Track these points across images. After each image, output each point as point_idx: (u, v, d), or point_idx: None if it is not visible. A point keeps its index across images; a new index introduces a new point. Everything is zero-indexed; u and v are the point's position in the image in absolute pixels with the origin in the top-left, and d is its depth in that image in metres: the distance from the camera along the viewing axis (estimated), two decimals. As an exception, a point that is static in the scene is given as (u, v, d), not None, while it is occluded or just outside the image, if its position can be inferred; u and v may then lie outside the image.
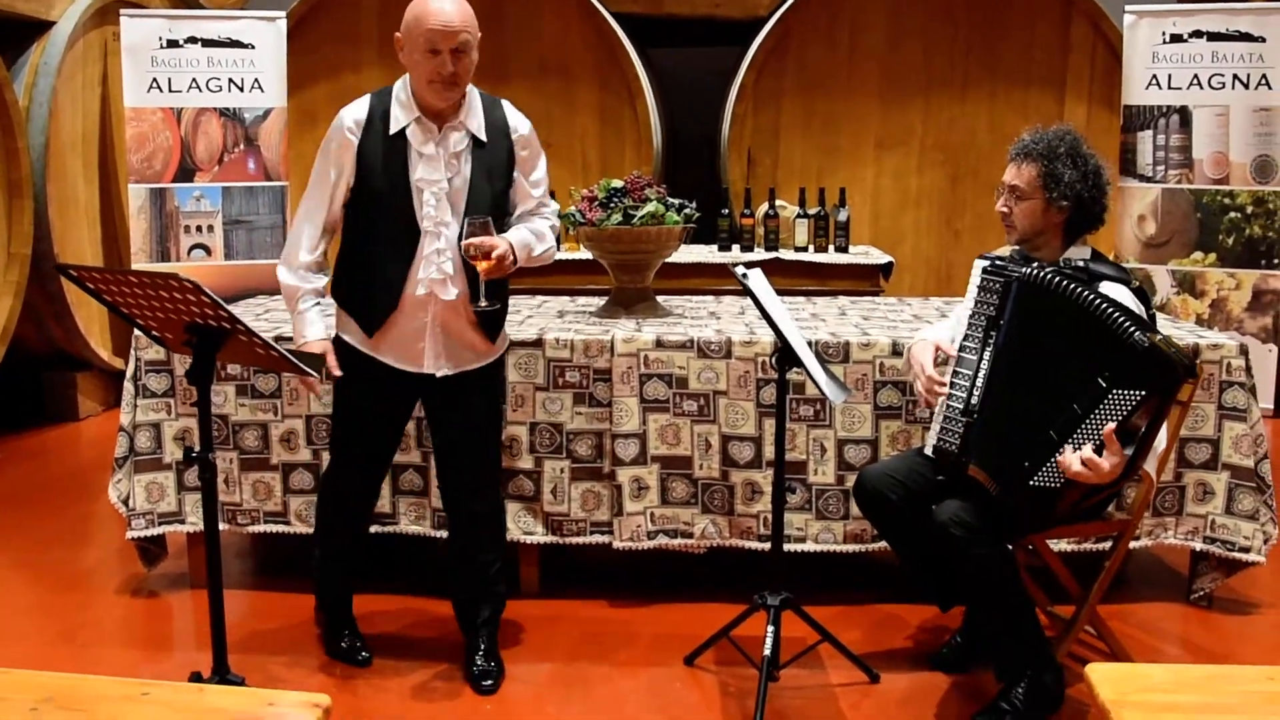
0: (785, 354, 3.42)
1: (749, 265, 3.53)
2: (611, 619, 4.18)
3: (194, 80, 7.15)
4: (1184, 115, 7.28)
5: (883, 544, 4.17)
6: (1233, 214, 7.23)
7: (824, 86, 7.67)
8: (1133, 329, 3.05)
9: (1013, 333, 3.34)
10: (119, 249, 7.49)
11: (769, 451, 4.16)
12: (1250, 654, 3.98)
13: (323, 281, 3.59)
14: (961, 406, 3.41)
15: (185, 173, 7.16)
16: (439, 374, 3.56)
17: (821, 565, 4.30)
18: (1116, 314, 3.10)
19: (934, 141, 7.75)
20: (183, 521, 4.33)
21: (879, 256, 6.70)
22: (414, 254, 3.44)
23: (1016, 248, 3.65)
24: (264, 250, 7.26)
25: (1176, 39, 7.29)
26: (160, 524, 4.32)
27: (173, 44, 7.09)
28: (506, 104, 3.62)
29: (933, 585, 3.72)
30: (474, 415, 3.64)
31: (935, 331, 3.79)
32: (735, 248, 6.73)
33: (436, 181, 3.43)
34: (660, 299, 4.76)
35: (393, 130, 3.44)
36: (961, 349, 3.47)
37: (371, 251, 3.49)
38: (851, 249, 6.77)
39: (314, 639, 3.99)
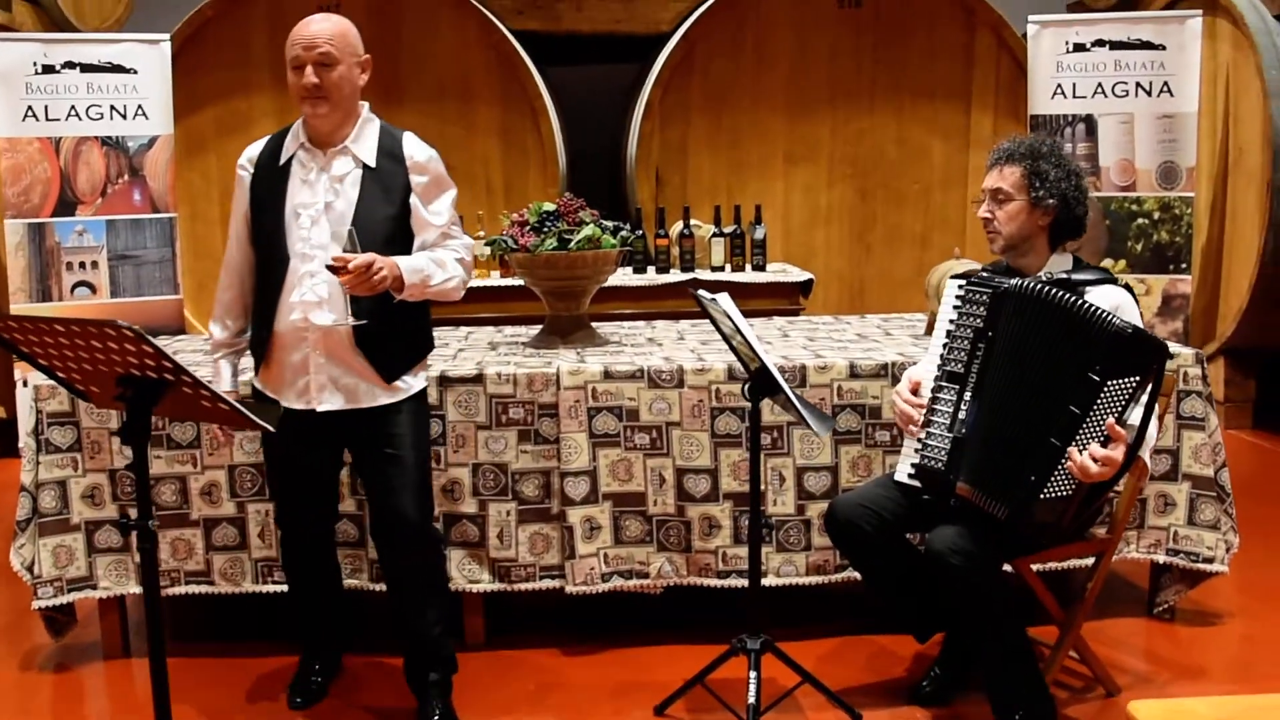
0: (760, 383, 3.23)
1: (695, 286, 3.37)
2: (569, 668, 3.94)
3: (73, 108, 6.73)
4: (1090, 124, 7.27)
5: (846, 574, 4.01)
6: (1140, 220, 7.25)
7: (731, 101, 7.52)
8: (1114, 318, 3.05)
9: (1004, 345, 3.22)
10: (-5, 289, 7.04)
11: (726, 483, 3.97)
12: (1221, 667, 3.90)
13: (229, 333, 3.54)
14: (947, 422, 3.29)
15: (66, 206, 6.74)
16: (320, 408, 3.37)
17: (781, 597, 4.11)
18: (1100, 310, 3.08)
19: (843, 155, 7.65)
20: (94, 587, 3.99)
21: (798, 274, 6.57)
22: (284, 280, 3.35)
23: (987, 265, 3.55)
24: (153, 286, 6.87)
25: (1080, 48, 7.27)
26: (70, 590, 3.97)
27: (49, 69, 6.67)
28: (409, 134, 3.50)
29: (909, 615, 3.61)
30: (392, 462, 3.42)
31: (918, 370, 3.62)
32: (650, 270, 6.53)
33: (312, 204, 3.36)
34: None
35: (281, 160, 3.41)
36: (944, 362, 3.35)
37: (259, 284, 3.46)
38: (768, 267, 6.63)
39: (244, 706, 3.69)
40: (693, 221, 6.56)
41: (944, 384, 3.35)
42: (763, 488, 3.96)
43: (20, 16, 7.31)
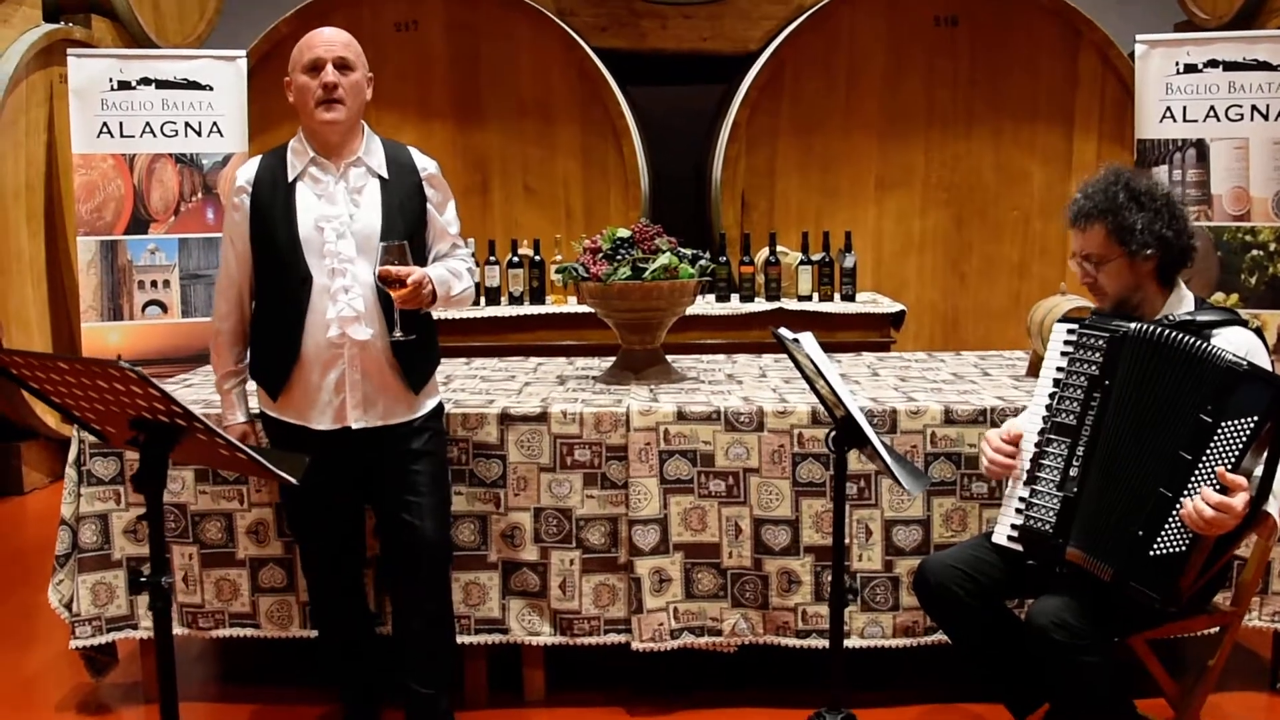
0: (846, 432, 2.93)
1: (778, 320, 3.08)
2: (632, 732, 3.67)
3: (147, 124, 6.61)
4: (1201, 149, 6.86)
5: (937, 636, 3.68)
6: (1255, 252, 6.82)
7: (821, 124, 7.21)
8: (1227, 353, 2.78)
9: (1121, 395, 2.90)
10: (67, 307, 6.93)
11: (808, 535, 3.67)
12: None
13: (234, 360, 3.46)
14: (1057, 480, 2.98)
15: (138, 224, 6.61)
16: (355, 425, 3.30)
17: (865, 660, 3.79)
18: (1216, 348, 2.81)
19: (938, 181, 7.31)
20: (135, 626, 3.79)
21: (889, 305, 6.24)
22: (308, 298, 3.25)
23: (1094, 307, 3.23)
24: (224, 306, 6.70)
25: (1191, 69, 6.88)
26: (109, 630, 3.77)
27: (124, 85, 6.55)
28: (412, 147, 3.49)
29: (1006, 688, 3.27)
30: (416, 478, 3.38)
31: (1016, 422, 3.30)
32: (734, 297, 6.24)
33: (338, 217, 3.28)
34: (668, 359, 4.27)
35: (290, 178, 3.31)
36: (1053, 413, 3.03)
37: (271, 307, 3.34)
38: (858, 296, 6.31)
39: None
40: (779, 248, 6.26)
41: (1053, 436, 3.03)
42: (847, 541, 3.64)
43: (99, 32, 7.23)
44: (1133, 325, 2.97)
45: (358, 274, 3.26)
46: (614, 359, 4.26)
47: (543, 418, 3.67)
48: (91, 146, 6.51)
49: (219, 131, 6.70)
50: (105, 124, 6.52)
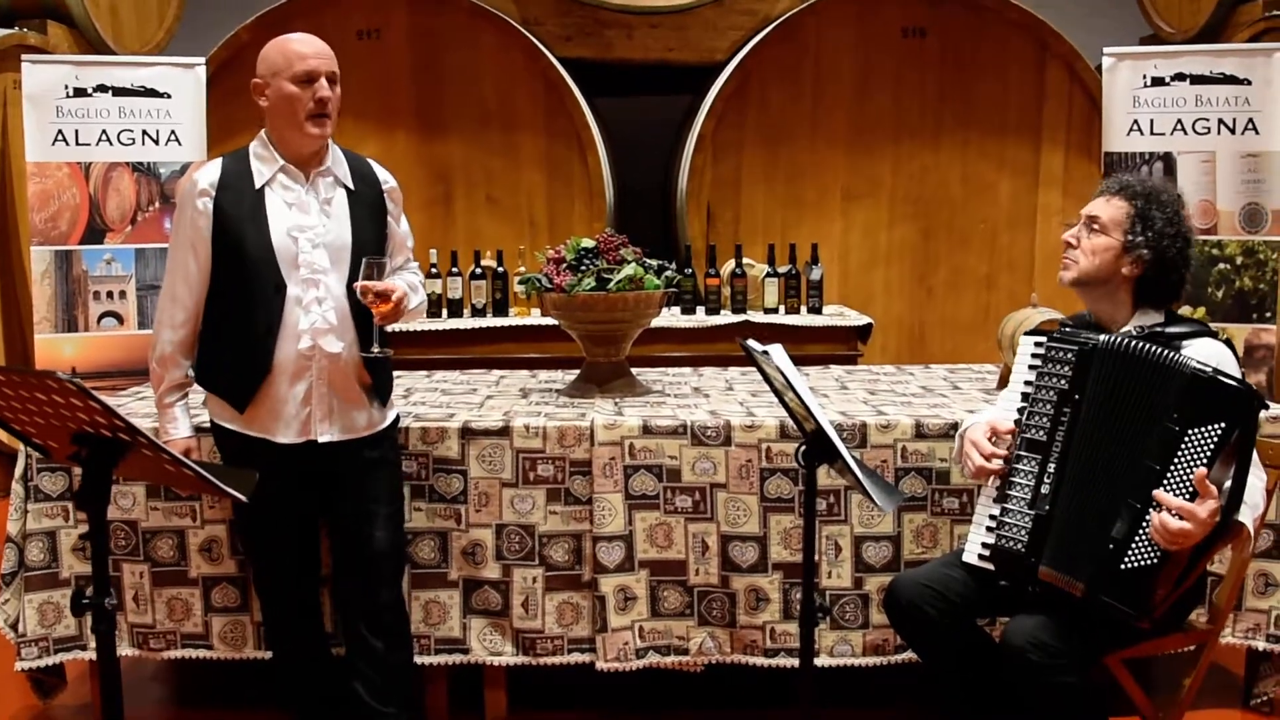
0: (816, 447, 2.85)
1: (745, 331, 3.01)
2: (597, 753, 3.58)
3: (104, 132, 6.47)
4: (1168, 162, 6.84)
5: (907, 654, 3.61)
6: (1222, 265, 6.80)
7: (787, 135, 7.14)
8: (1193, 360, 2.74)
9: (1091, 409, 2.85)
10: (20, 318, 6.79)
11: (776, 552, 3.60)
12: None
13: (183, 372, 3.33)
14: (1029, 498, 2.92)
15: (94, 233, 6.47)
16: (322, 439, 3.25)
17: (835, 678, 3.71)
18: (1180, 356, 2.77)
19: (905, 193, 7.25)
20: (84, 647, 3.66)
21: (856, 318, 6.18)
22: (282, 310, 3.18)
23: (1069, 317, 3.18)
24: (182, 318, 6.57)
25: (1158, 82, 6.85)
26: (57, 651, 3.65)
27: (80, 92, 6.42)
28: (371, 160, 3.46)
29: (977, 708, 3.20)
30: (374, 492, 3.35)
31: (984, 418, 3.24)
32: (700, 310, 6.17)
33: (312, 227, 3.22)
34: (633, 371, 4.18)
35: (257, 184, 3.21)
36: (1023, 429, 2.97)
37: (237, 316, 3.21)
38: (824, 309, 6.25)
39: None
40: (745, 260, 6.19)
41: (1023, 454, 2.97)
42: (817, 558, 3.57)
43: (55, 39, 7.09)
44: (1101, 337, 2.92)
45: (330, 285, 3.21)
46: (578, 372, 4.17)
47: (505, 432, 3.58)
48: (46, 154, 6.37)
49: (177, 140, 6.58)
50: (60, 131, 6.39)
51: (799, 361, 5.66)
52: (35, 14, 7.11)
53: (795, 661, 3.47)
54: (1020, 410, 3.03)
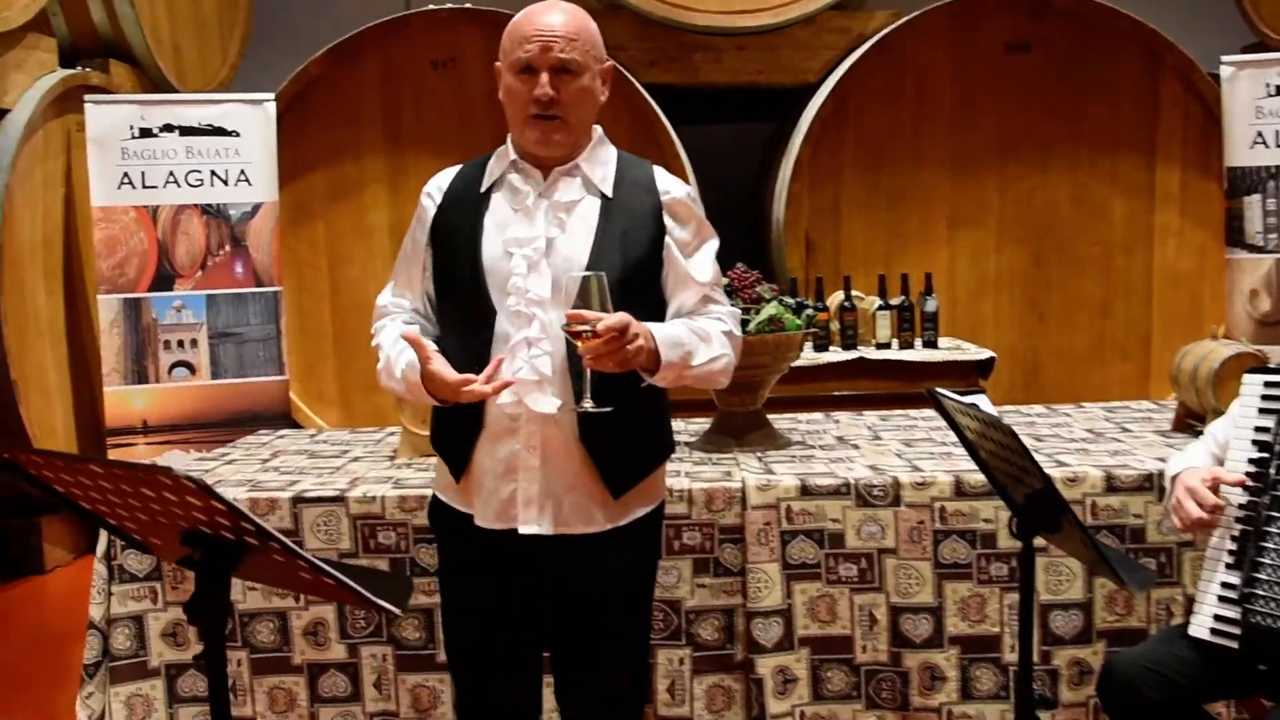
0: (1033, 516, 2.43)
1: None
2: None
3: (171, 174, 6.17)
4: (1297, 177, 6.41)
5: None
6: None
7: (888, 159, 6.74)
8: None
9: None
10: (89, 370, 6.47)
11: (953, 624, 3.18)
12: None
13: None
14: (1286, 567, 2.48)
15: (163, 280, 6.17)
16: (523, 529, 2.46)
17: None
18: None
19: (1013, 216, 6.82)
20: (178, 745, 3.29)
21: (976, 352, 5.75)
22: (489, 348, 2.45)
23: None
24: (257, 366, 6.25)
25: (1283, 92, 6.44)
26: (147, 750, 3.28)
27: (146, 133, 6.13)
28: (658, 167, 2.63)
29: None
30: (603, 623, 2.52)
31: (1190, 459, 2.82)
32: (808, 346, 5.76)
33: (530, 240, 2.46)
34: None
35: (485, 185, 2.54)
36: (1272, 485, 2.54)
37: (453, 353, 2.47)
38: (939, 342, 5.83)
39: None
40: (854, 293, 5.78)
41: (1275, 514, 2.54)
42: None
43: (118, 78, 6.80)
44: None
45: (549, 322, 2.42)
46: (709, 422, 3.77)
47: (646, 496, 3.18)
48: (112, 198, 6.09)
49: (247, 180, 6.27)
50: (126, 174, 6.10)
51: (914, 401, 5.31)
52: (96, 53, 6.83)
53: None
54: (1260, 461, 2.60)
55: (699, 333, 2.48)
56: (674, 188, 2.58)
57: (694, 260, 2.56)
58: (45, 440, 6.01)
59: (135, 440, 6.10)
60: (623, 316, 2.28)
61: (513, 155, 2.53)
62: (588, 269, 2.39)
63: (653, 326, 2.39)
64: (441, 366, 2.38)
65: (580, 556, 2.48)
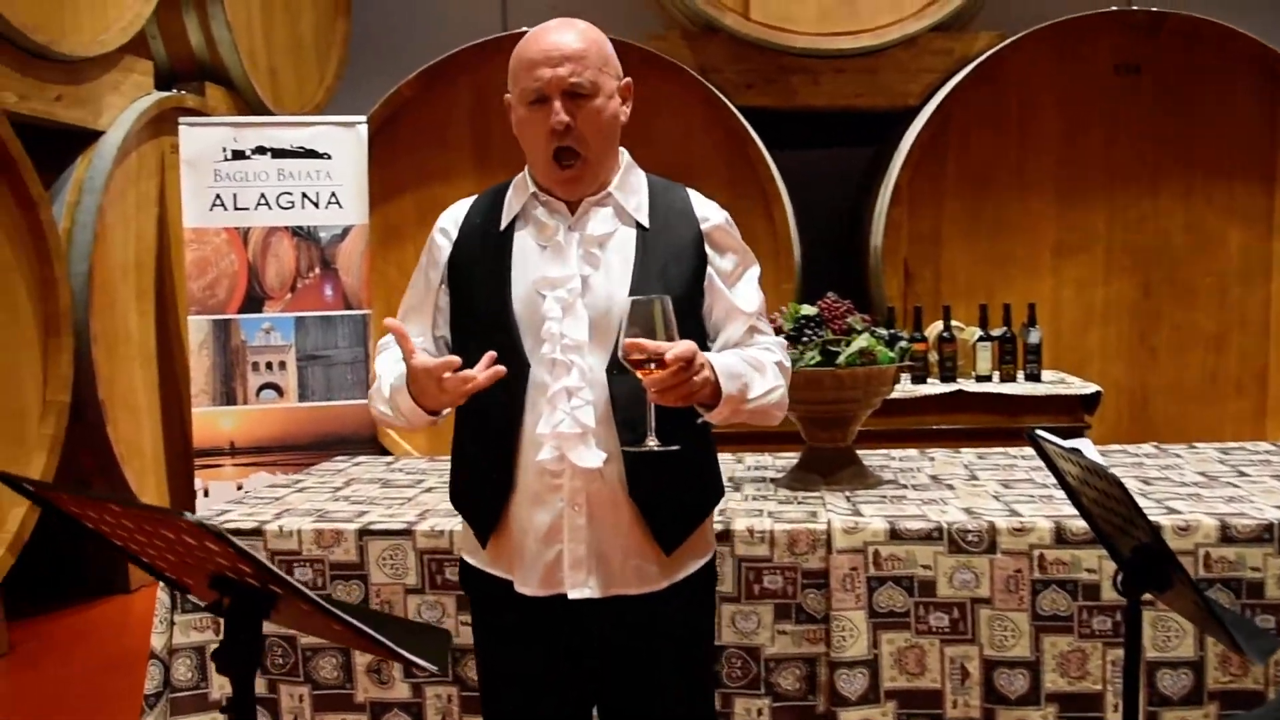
0: (1144, 569, 2.23)
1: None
2: None
3: (262, 196, 6.16)
4: None
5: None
6: None
7: (990, 184, 6.52)
8: None
9: None
10: (178, 390, 6.47)
11: (1051, 680, 2.97)
12: None
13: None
14: None
15: (253, 302, 6.15)
16: (573, 594, 2.27)
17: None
18: None
19: (1122, 245, 6.56)
20: (237, 782, 3.19)
21: (1081, 385, 5.50)
22: (524, 400, 2.26)
23: None
24: (345, 390, 6.20)
25: None
26: (208, 786, 3.18)
27: (238, 155, 6.12)
28: (692, 191, 2.44)
29: None
30: (659, 688, 2.35)
31: None
32: (905, 378, 5.56)
33: (564, 280, 2.26)
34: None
35: (504, 222, 2.34)
36: None
37: (479, 407, 2.25)
38: (1042, 375, 5.59)
39: None
40: (954, 323, 5.57)
41: None
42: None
43: (214, 101, 6.83)
44: None
45: (588, 368, 2.24)
46: (796, 458, 3.60)
47: (726, 536, 3.01)
48: (204, 220, 6.09)
49: (337, 202, 6.24)
50: (218, 196, 6.10)
51: (1015, 437, 5.09)
52: (194, 76, 6.87)
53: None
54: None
55: (753, 363, 2.29)
56: (712, 213, 2.40)
57: (738, 290, 2.39)
58: (132, 460, 6.01)
59: (223, 462, 6.08)
60: (690, 345, 2.10)
61: (533, 187, 2.33)
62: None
63: (711, 356, 2.21)
64: (422, 359, 2.16)
65: (633, 617, 2.30)
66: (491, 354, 2.17)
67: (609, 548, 2.28)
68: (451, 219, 2.42)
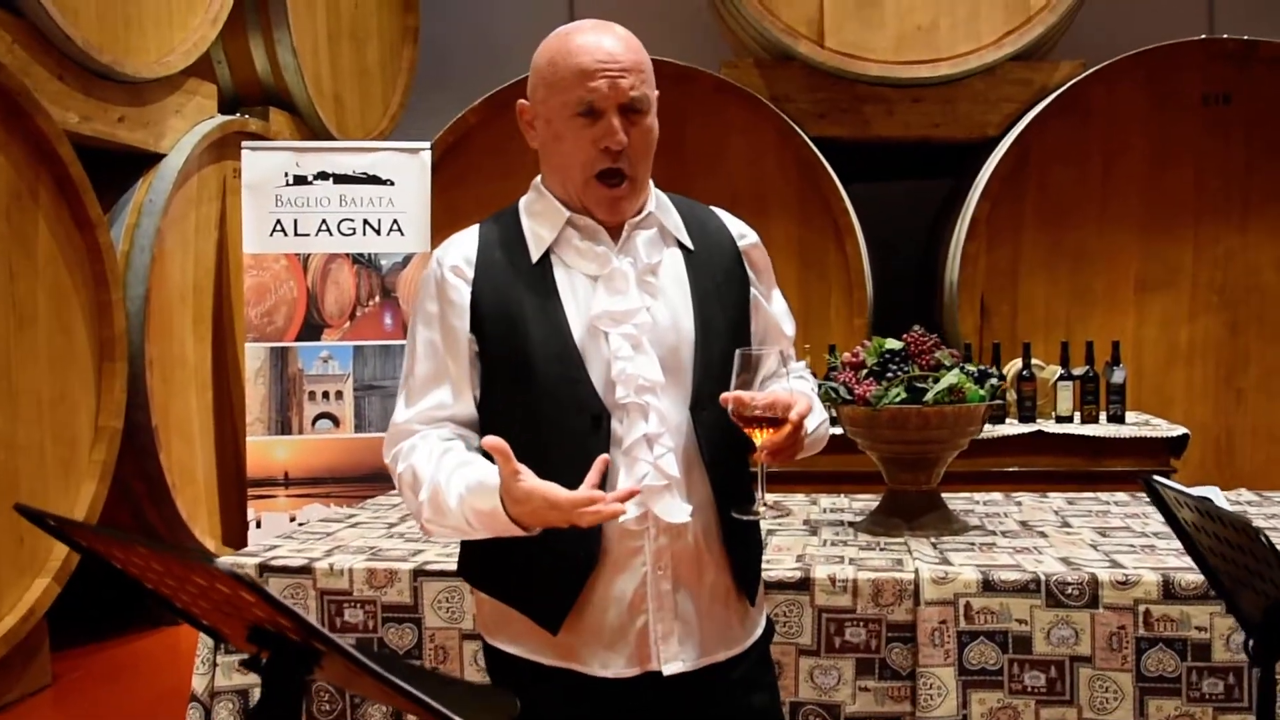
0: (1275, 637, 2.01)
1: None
2: None
3: (324, 222, 6.06)
4: None
5: None
6: None
7: (1072, 217, 6.28)
8: None
9: None
10: (233, 419, 6.36)
11: (1157, 749, 2.74)
12: None
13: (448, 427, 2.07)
14: None
15: (311, 329, 6.04)
16: (667, 669, 2.02)
17: None
18: None
19: (1208, 281, 6.29)
20: (281, 834, 3.01)
21: (1168, 428, 5.25)
22: (596, 451, 1.96)
23: None
24: (401, 421, 6.04)
25: None
26: (249, 838, 3.01)
27: (300, 180, 6.03)
28: (715, 207, 2.29)
29: None
30: None
31: None
32: (982, 417, 5.33)
33: (630, 315, 2.02)
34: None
35: (536, 254, 2.07)
36: None
37: (537, 470, 1.87)
38: (1126, 417, 5.34)
39: None
40: (1034, 361, 5.34)
41: None
42: None
43: (277, 126, 6.74)
44: None
45: (666, 412, 2.00)
46: (877, 501, 3.40)
47: (804, 584, 2.81)
48: (264, 245, 5.99)
49: (399, 230, 6.13)
50: (279, 221, 6.00)
51: (1098, 480, 4.85)
52: (258, 101, 6.80)
53: None
54: None
55: (805, 396, 2.07)
56: (746, 231, 2.26)
57: (776, 308, 2.27)
58: (185, 489, 5.90)
59: (276, 492, 5.96)
60: (802, 399, 1.96)
61: (565, 212, 2.08)
62: (700, 346, 2.06)
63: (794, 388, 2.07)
64: (539, 483, 1.82)
65: (725, 686, 2.09)
66: (604, 458, 1.89)
67: (697, 611, 2.06)
68: (461, 256, 2.08)
